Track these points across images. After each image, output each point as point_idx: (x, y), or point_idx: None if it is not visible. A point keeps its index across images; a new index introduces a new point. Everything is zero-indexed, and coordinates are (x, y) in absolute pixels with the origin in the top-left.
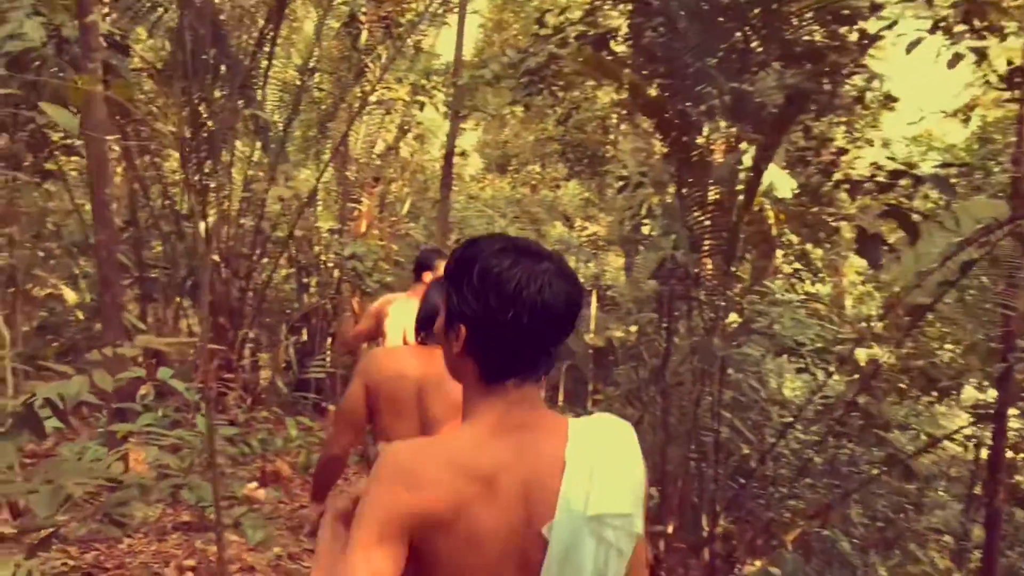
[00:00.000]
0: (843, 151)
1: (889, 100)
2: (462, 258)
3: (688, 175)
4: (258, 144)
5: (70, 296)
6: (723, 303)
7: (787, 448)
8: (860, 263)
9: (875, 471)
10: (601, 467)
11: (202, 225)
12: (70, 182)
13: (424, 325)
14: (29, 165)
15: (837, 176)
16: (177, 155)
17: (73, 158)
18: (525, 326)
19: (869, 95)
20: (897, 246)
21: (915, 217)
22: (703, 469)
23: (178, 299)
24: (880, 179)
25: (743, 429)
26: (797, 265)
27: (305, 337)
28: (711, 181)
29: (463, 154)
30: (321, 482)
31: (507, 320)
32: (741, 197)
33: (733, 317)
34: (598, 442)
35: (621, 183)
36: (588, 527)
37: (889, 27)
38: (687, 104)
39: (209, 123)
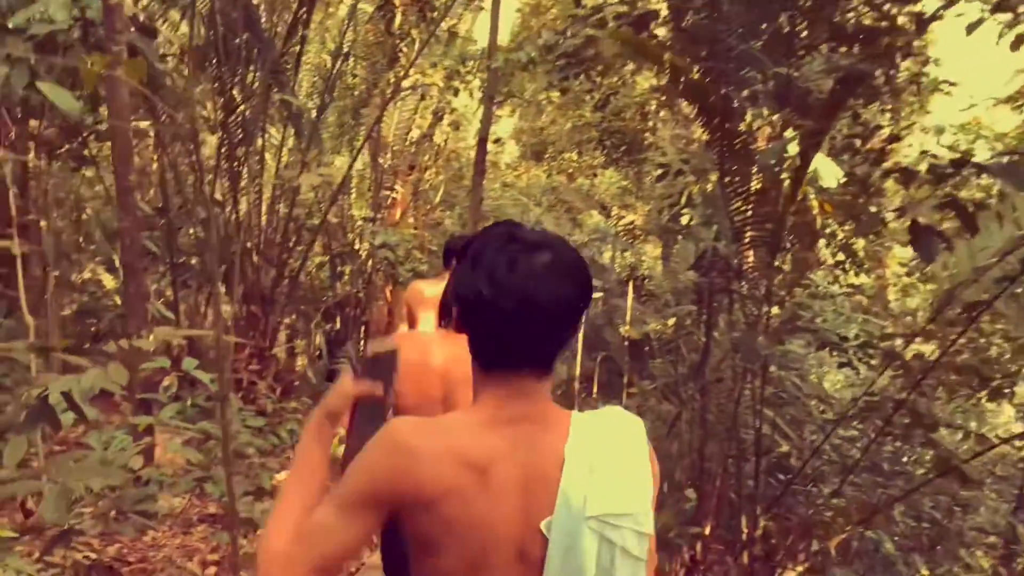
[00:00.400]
0: (895, 138)
1: (946, 84)
2: (469, 241)
3: (731, 163)
4: (291, 131)
5: (108, 281)
6: (766, 297)
7: (829, 446)
8: (904, 255)
9: (925, 473)
10: (602, 464)
11: (221, 209)
12: (106, 168)
13: (446, 311)
14: (64, 151)
15: (885, 165)
16: (212, 141)
17: (108, 143)
18: (510, 315)
19: (921, 80)
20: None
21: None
22: (742, 467)
23: (220, 286)
24: (938, 168)
25: (785, 427)
26: (840, 257)
27: (339, 325)
28: (755, 169)
29: (498, 141)
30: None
31: (491, 306)
32: (787, 185)
33: (776, 311)
34: (600, 438)
35: (661, 171)
36: (588, 526)
37: (947, 6)
38: (730, 89)
39: (242, 108)
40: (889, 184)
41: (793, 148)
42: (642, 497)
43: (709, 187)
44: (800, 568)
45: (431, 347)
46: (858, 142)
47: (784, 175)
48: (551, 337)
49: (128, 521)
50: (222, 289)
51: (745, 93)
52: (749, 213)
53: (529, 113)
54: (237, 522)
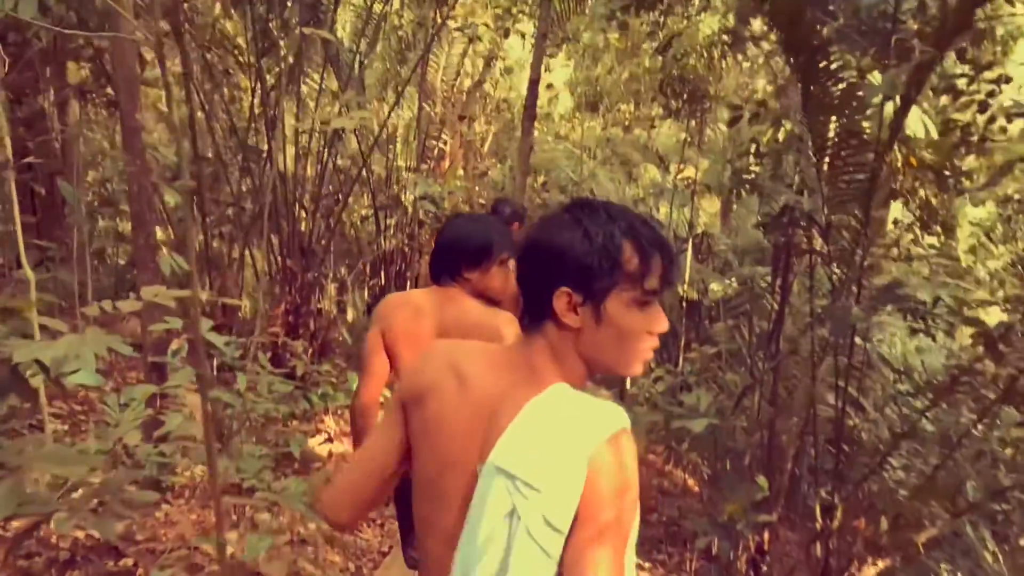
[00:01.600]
0: (1006, 78)
1: None
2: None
3: (822, 104)
4: (331, 76)
5: (156, 232)
6: (860, 260)
7: (902, 420)
8: (975, 214)
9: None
10: (539, 431)
11: (257, 157)
12: (147, 114)
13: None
14: (99, 96)
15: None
16: (249, 86)
17: (148, 89)
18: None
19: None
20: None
21: None
22: (818, 449)
23: (267, 238)
24: None
25: (868, 406)
26: (915, 215)
27: (383, 281)
28: (852, 110)
29: (550, 86)
30: (356, 432)
31: None
32: (884, 131)
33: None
34: (557, 411)
35: (734, 115)
36: (497, 476)
37: None
38: (819, 21)
39: (283, 50)
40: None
41: (894, 87)
42: (558, 489)
43: (782, 135)
44: (880, 564)
45: (419, 302)
46: (962, 83)
47: (867, 120)
48: (534, 289)
49: (107, 515)
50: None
51: (834, 25)
52: (840, 163)
53: (584, 62)
54: (221, 513)
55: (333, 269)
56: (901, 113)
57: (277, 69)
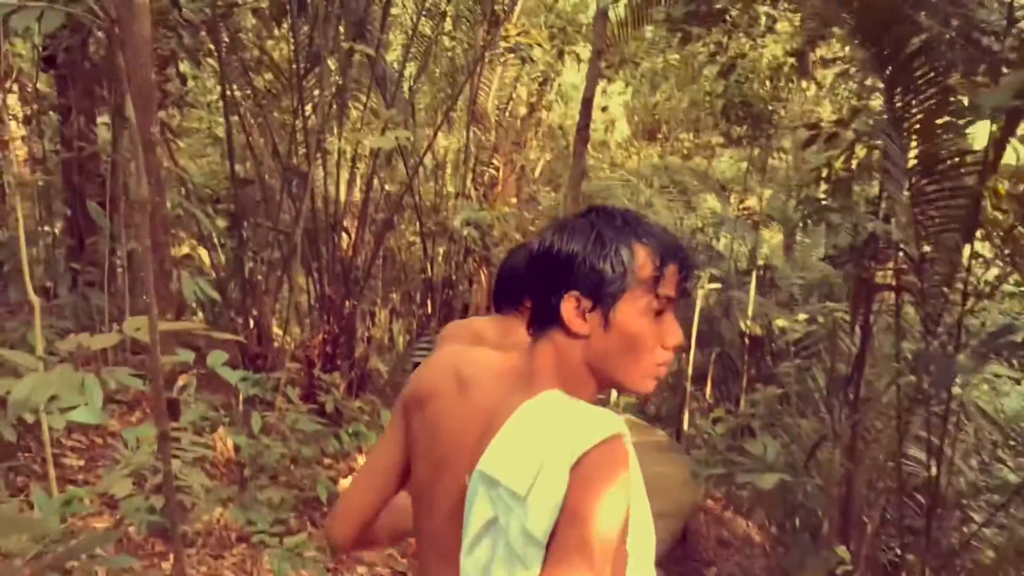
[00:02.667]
0: None
1: None
2: None
3: (915, 123)
4: (375, 98)
5: (204, 257)
6: (963, 300)
7: (988, 477)
8: None
9: None
10: (524, 437)
11: (300, 179)
12: (193, 136)
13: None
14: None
15: None
16: (289, 107)
17: (189, 109)
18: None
19: None
20: None
21: None
22: (903, 511)
23: (309, 266)
24: None
25: (961, 464)
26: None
27: (430, 310)
28: (946, 130)
29: (604, 109)
30: None
31: None
32: (983, 152)
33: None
34: (544, 416)
35: (809, 135)
36: (482, 483)
37: None
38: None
39: (329, 66)
40: None
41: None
42: (538, 497)
43: (854, 163)
44: None
45: (483, 333)
46: None
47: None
48: (536, 298)
49: None
50: (298, 268)
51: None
52: (928, 188)
53: (643, 89)
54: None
55: (383, 295)
56: (1006, 133)
57: (321, 90)
